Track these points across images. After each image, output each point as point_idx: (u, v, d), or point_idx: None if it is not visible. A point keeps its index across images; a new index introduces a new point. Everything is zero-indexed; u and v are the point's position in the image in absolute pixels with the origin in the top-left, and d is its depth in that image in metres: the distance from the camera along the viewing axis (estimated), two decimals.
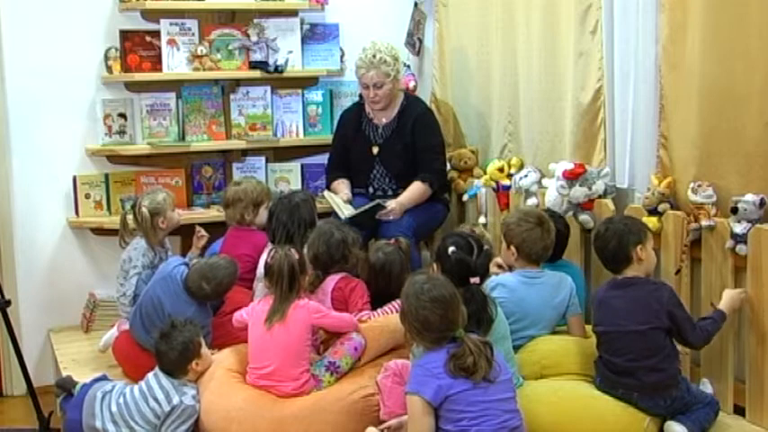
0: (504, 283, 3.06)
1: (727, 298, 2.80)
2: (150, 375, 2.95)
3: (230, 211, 3.72)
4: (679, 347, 2.79)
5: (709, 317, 2.80)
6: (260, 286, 3.40)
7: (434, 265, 2.88)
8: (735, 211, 2.78)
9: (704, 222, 2.90)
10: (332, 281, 3.19)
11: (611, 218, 3.02)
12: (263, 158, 4.37)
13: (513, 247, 3.10)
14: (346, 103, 4.38)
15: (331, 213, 3.88)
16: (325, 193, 4.09)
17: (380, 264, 3.28)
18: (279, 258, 2.94)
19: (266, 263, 3.00)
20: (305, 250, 3.20)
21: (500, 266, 3.23)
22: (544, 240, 3.08)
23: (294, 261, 2.94)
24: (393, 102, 4.05)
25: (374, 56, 3.90)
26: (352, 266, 3.27)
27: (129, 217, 3.66)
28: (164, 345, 2.92)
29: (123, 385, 3.02)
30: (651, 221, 3.04)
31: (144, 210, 3.55)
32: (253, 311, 2.96)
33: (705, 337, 2.78)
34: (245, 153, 4.37)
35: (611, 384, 2.78)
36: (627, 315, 2.74)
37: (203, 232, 3.76)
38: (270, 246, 3.41)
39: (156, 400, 2.87)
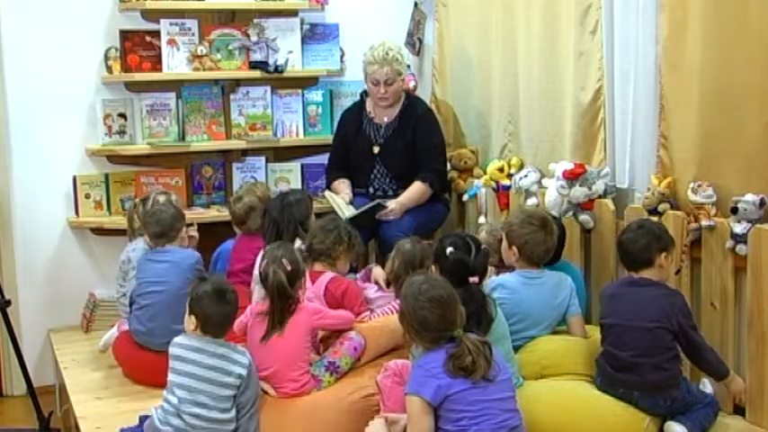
0: (505, 284, 3.06)
1: (737, 379, 2.82)
2: (204, 349, 2.62)
3: (250, 224, 3.68)
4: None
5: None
6: (257, 288, 3.40)
7: (433, 267, 2.88)
8: (735, 211, 2.78)
9: (704, 222, 2.90)
10: (321, 283, 3.15)
11: (646, 219, 3.00)
12: (263, 158, 4.37)
13: (514, 248, 3.10)
14: (346, 103, 4.37)
15: (331, 213, 3.87)
16: (326, 193, 4.09)
17: (415, 255, 3.17)
18: (270, 275, 2.83)
19: (259, 272, 2.94)
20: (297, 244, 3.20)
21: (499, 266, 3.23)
22: (546, 243, 3.08)
23: (282, 278, 2.82)
24: (397, 100, 4.05)
25: (387, 53, 3.90)
26: (338, 259, 3.25)
27: (137, 215, 3.64)
28: (218, 303, 2.64)
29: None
30: None
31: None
32: (251, 313, 2.95)
33: (708, 347, 2.78)
34: (245, 153, 4.37)
35: (612, 383, 2.77)
36: (639, 311, 2.74)
37: (193, 232, 3.70)
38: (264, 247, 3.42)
39: (227, 372, 2.61)
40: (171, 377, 2.63)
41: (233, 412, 2.61)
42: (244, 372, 2.62)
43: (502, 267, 3.24)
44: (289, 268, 2.85)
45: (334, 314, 2.99)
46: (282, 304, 2.84)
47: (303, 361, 2.86)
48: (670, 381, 2.72)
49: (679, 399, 2.73)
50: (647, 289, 2.78)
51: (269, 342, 2.85)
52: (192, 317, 2.65)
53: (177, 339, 2.68)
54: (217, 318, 2.65)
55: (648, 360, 2.71)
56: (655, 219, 3.03)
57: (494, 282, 3.05)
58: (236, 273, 3.61)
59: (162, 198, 3.59)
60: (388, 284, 3.28)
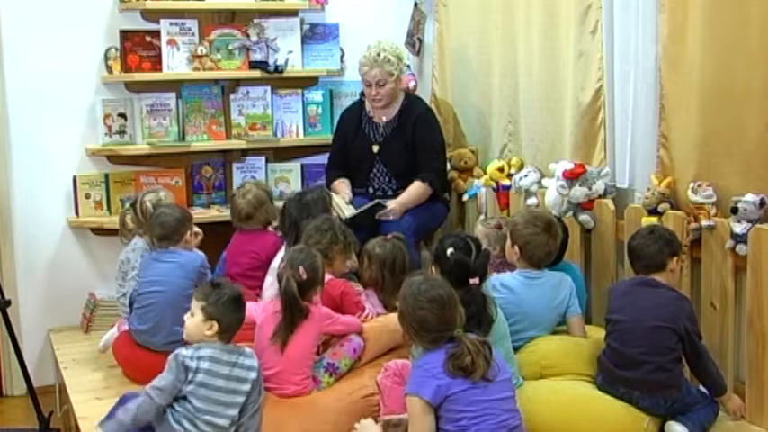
0: (505, 284, 3.06)
1: (735, 398, 2.83)
2: (219, 358, 2.59)
3: (254, 221, 3.67)
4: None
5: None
6: (269, 280, 3.40)
7: (433, 267, 2.88)
8: (735, 211, 2.77)
9: (704, 222, 2.90)
10: None
11: (655, 225, 3.00)
12: (263, 158, 4.38)
13: (516, 247, 3.10)
14: (346, 103, 4.38)
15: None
16: None
17: (387, 256, 3.24)
18: (284, 282, 2.84)
19: (278, 274, 2.92)
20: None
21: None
22: (549, 246, 3.08)
23: (293, 289, 2.81)
24: (394, 100, 4.05)
25: (378, 54, 3.90)
26: (335, 259, 3.25)
27: (128, 217, 3.66)
28: (237, 310, 2.68)
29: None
30: (651, 221, 3.03)
31: (147, 204, 3.54)
32: (264, 311, 2.94)
33: (710, 357, 2.78)
34: (245, 153, 4.38)
35: (613, 382, 2.77)
36: (650, 310, 2.74)
37: (197, 229, 3.72)
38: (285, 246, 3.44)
39: (243, 380, 2.62)
40: (191, 388, 2.55)
41: (236, 416, 2.61)
42: (256, 375, 2.64)
43: (505, 264, 3.24)
44: (304, 276, 2.84)
45: (344, 320, 2.99)
46: (293, 313, 2.84)
47: (307, 366, 2.86)
48: (672, 381, 2.72)
49: (679, 399, 2.73)
50: (660, 290, 2.79)
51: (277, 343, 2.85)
52: (214, 323, 2.61)
53: (202, 352, 2.58)
54: (236, 324, 2.68)
55: (653, 359, 2.71)
56: (654, 219, 3.03)
57: (493, 281, 3.05)
58: (233, 277, 3.59)
59: (150, 197, 3.58)
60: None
